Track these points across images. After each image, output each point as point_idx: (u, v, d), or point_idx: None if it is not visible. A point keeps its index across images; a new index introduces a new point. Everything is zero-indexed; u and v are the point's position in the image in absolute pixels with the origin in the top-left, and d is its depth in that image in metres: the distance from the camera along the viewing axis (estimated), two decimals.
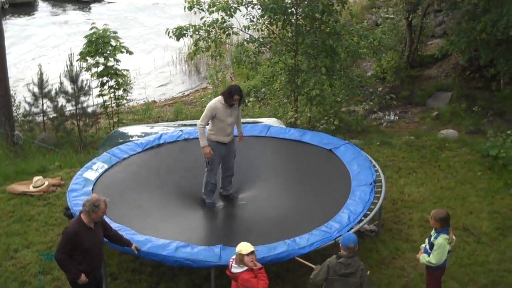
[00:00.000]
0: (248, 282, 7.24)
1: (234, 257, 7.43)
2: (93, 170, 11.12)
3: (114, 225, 9.20)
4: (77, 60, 17.10)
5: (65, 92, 17.48)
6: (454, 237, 8.19)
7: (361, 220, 9.30)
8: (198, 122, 10.09)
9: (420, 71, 20.37)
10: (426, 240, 8.31)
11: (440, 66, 20.34)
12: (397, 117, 18.15)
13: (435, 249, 8.00)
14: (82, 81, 17.43)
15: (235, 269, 7.34)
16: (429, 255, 8.07)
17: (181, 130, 12.97)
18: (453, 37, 17.55)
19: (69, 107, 17.78)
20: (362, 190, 10.09)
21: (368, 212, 9.56)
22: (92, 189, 10.49)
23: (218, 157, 10.30)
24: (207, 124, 10.11)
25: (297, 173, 11.19)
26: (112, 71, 17.19)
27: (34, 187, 12.26)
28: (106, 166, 11.32)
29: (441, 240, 7.97)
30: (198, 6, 14.99)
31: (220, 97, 10.08)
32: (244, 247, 7.37)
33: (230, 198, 10.63)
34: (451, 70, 19.76)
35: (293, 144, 12.30)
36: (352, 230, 9.04)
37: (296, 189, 10.63)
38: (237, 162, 10.93)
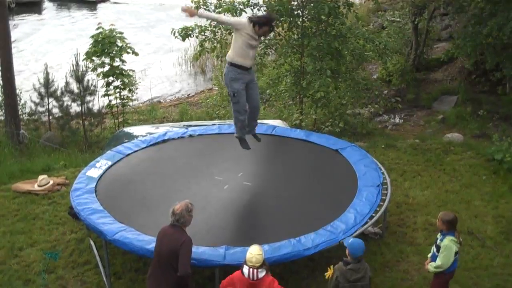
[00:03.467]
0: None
1: (248, 264, 7.36)
2: (97, 168, 11.16)
3: (118, 226, 9.24)
4: (83, 60, 17.14)
5: (71, 92, 17.53)
6: (461, 239, 8.18)
7: (366, 223, 9.30)
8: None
9: (426, 74, 20.37)
10: (433, 247, 8.28)
11: (446, 70, 20.33)
12: (402, 120, 18.14)
13: (442, 251, 7.96)
14: (88, 81, 17.48)
15: (261, 273, 7.34)
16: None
17: (186, 128, 13.02)
18: (459, 41, 17.53)
19: (75, 107, 17.83)
20: (369, 191, 10.07)
21: (373, 215, 9.56)
22: (96, 186, 10.53)
23: (243, 87, 9.85)
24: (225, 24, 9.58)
25: (303, 172, 11.19)
26: (118, 71, 17.22)
27: (39, 186, 12.29)
28: (110, 163, 11.36)
29: (447, 242, 7.93)
30: (205, 7, 15.02)
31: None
32: (258, 251, 7.41)
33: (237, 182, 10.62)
34: (457, 74, 19.76)
35: (299, 143, 12.30)
36: (357, 233, 9.03)
37: (302, 187, 10.61)
38: (243, 160, 10.96)
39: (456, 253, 8.03)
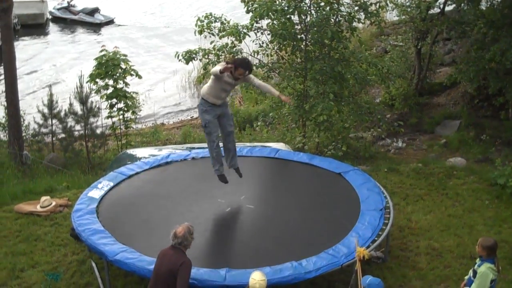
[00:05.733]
0: None
1: None
2: (98, 188, 11.19)
3: (119, 246, 9.23)
4: (87, 82, 17.18)
5: (75, 113, 17.55)
6: (500, 267, 8.09)
7: (368, 247, 9.27)
8: (214, 68, 10.03)
9: (428, 98, 20.37)
10: (470, 271, 8.23)
11: (448, 94, 20.33)
12: (405, 144, 18.12)
13: (477, 278, 7.89)
14: (92, 102, 17.50)
15: None
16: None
17: (189, 151, 13.05)
18: (462, 66, 17.60)
19: (78, 128, 17.85)
20: (372, 215, 10.06)
21: (376, 239, 9.53)
22: (97, 207, 10.54)
23: (214, 118, 10.45)
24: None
25: (305, 195, 11.18)
26: (121, 94, 17.26)
27: (41, 207, 12.30)
28: (111, 184, 11.38)
29: (484, 269, 7.86)
30: (209, 30, 15.10)
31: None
32: (261, 277, 7.37)
33: (237, 200, 10.68)
34: (460, 98, 19.76)
35: (302, 166, 12.30)
36: None
37: (305, 210, 10.61)
38: (245, 183, 10.96)
39: (492, 281, 7.91)
